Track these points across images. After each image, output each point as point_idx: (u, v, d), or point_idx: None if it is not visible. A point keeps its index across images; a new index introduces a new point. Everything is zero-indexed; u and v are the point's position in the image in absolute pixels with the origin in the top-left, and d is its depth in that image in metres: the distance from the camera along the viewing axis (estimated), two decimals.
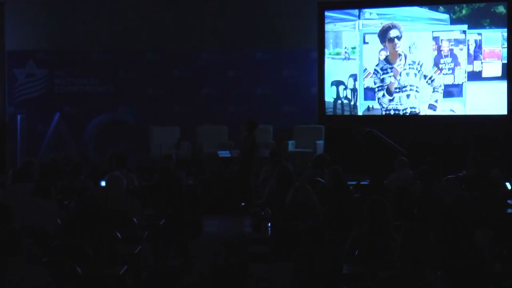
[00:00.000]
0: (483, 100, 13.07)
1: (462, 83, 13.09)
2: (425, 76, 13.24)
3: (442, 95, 13.22)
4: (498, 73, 12.93)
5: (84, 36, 14.32)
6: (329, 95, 13.81)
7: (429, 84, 13.26)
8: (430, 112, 13.26)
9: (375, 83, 13.57)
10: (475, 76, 13.05)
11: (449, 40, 13.17)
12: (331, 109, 13.82)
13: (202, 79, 14.41)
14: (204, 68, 14.43)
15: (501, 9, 12.91)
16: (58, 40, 14.36)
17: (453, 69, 13.16)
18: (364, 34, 13.63)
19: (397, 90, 13.43)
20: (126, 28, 14.28)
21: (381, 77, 13.52)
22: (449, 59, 13.16)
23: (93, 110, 14.29)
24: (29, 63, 14.38)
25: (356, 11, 13.67)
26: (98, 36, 14.33)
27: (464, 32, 13.07)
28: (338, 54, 13.79)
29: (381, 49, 13.51)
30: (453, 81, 13.15)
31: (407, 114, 13.36)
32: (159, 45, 14.39)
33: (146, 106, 14.34)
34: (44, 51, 14.43)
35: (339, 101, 13.81)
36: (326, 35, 13.77)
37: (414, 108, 13.37)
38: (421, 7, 13.39)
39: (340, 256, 5.20)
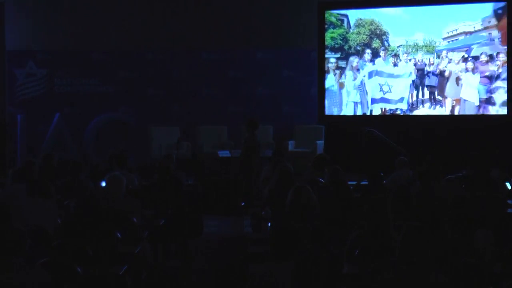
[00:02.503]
0: None
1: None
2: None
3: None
4: None
5: (84, 36, 14.32)
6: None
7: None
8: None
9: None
10: None
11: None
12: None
13: (202, 79, 14.41)
14: (204, 68, 14.42)
15: None
16: (58, 40, 14.36)
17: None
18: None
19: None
20: (126, 28, 14.28)
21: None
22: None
23: (93, 110, 14.30)
24: (29, 63, 14.38)
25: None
26: (98, 36, 14.33)
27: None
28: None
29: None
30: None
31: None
32: (159, 45, 14.39)
33: (146, 106, 14.34)
34: (44, 51, 14.43)
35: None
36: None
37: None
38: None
39: (340, 256, 5.20)
